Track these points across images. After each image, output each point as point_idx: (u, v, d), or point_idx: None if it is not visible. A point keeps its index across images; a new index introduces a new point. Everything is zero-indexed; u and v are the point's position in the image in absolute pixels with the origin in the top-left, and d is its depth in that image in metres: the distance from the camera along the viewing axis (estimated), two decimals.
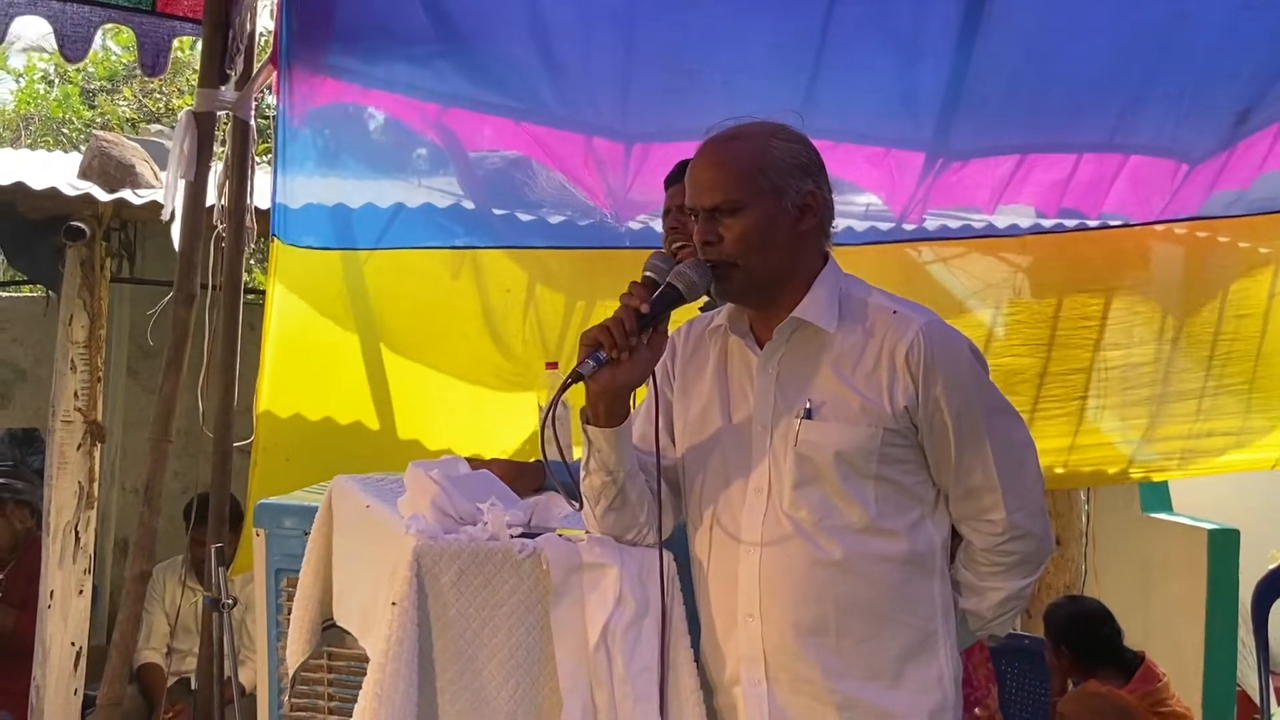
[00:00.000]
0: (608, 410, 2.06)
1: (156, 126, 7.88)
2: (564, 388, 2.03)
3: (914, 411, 2.04)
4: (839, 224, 3.96)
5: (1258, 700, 5.56)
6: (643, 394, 2.23)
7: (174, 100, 12.12)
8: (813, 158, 2.10)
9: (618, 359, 2.01)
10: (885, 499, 2.05)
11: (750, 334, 2.15)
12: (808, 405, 2.06)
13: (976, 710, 3.64)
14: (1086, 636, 3.94)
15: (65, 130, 12.27)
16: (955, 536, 2.17)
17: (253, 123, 3.79)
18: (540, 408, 3.34)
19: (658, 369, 2.23)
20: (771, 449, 2.08)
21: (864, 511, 2.03)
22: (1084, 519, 5.74)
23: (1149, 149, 3.89)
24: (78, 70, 13.14)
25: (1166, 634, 5.48)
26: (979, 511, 2.09)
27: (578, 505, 2.13)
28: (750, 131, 2.10)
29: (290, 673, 2.56)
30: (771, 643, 2.05)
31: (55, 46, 3.74)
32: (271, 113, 3.93)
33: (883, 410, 2.03)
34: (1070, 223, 4.14)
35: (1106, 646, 3.93)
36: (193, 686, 4.69)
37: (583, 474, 2.13)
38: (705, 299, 2.23)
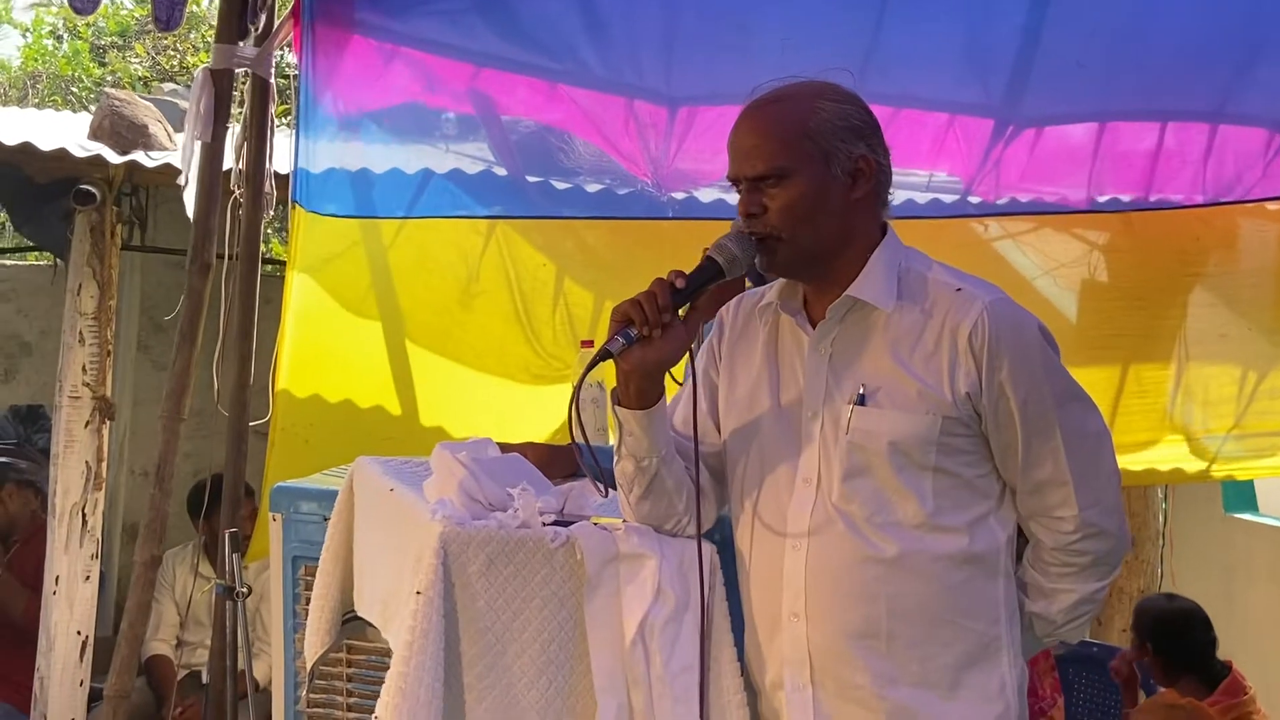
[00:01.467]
0: (638, 391, 2.05)
1: (170, 86, 7.93)
2: (591, 365, 2.02)
3: (976, 398, 2.00)
4: (898, 196, 3.97)
5: None
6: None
7: (188, 58, 12.19)
8: (865, 119, 2.07)
9: (649, 336, 2.00)
10: (944, 493, 2.02)
11: (802, 311, 2.13)
12: (861, 390, 2.03)
13: None
14: (1178, 639, 3.88)
15: (74, 89, 12.37)
16: (1022, 535, 2.14)
17: (273, 81, 3.81)
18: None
19: (704, 348, 2.23)
20: (821, 437, 2.06)
21: (920, 506, 2.00)
22: (1161, 519, 5.70)
23: (1248, 118, 3.81)
24: (87, 25, 13.23)
25: (1251, 643, 5.43)
26: (1049, 508, 2.06)
27: (604, 490, 2.10)
28: (795, 93, 2.07)
29: (309, 666, 2.57)
30: (817, 645, 2.03)
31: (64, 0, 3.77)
32: (292, 71, 3.96)
33: (942, 397, 2.00)
34: (1153, 197, 4.09)
35: (1198, 653, 3.87)
36: (204, 680, 4.75)
37: (615, 459, 2.13)
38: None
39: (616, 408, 2.08)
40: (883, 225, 2.11)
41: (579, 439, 1.97)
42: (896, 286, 2.06)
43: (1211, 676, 3.81)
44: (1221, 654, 3.97)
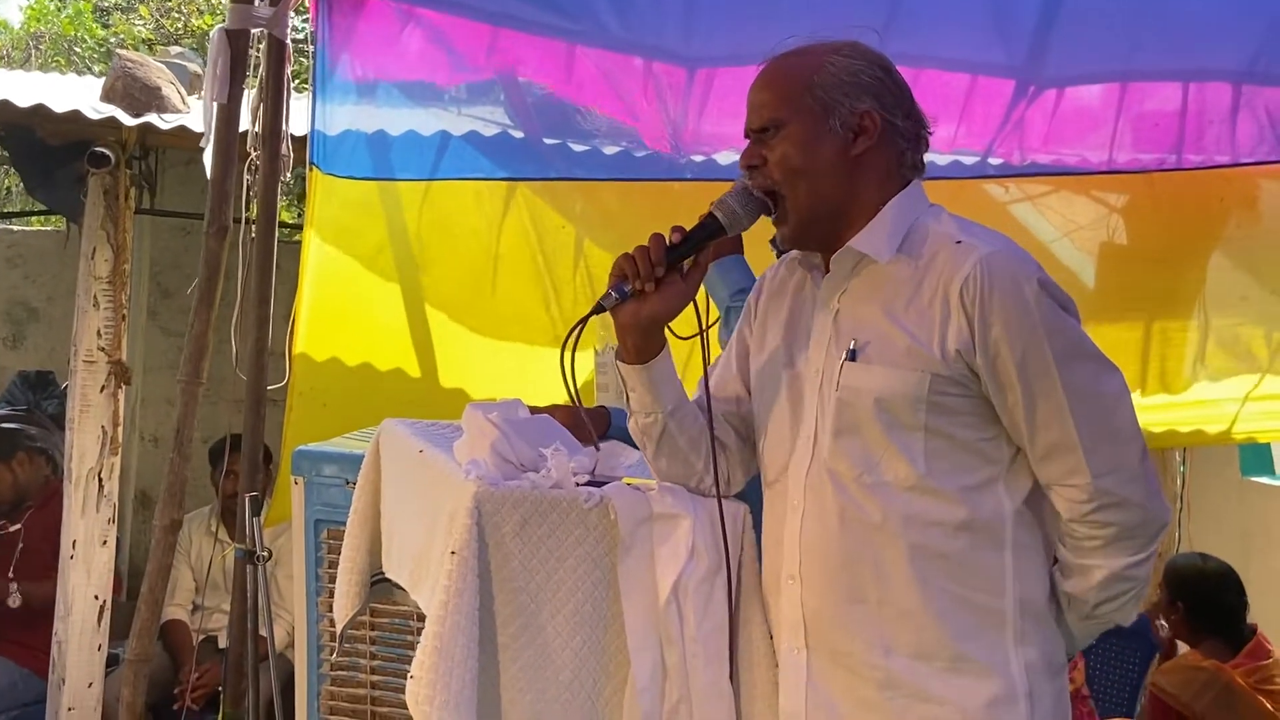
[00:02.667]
0: (634, 346, 2.06)
1: (177, 48, 7.90)
2: (584, 320, 2.03)
3: (969, 355, 1.93)
4: None
5: None
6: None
7: (193, 20, 12.15)
8: (877, 75, 2.03)
9: (642, 290, 2.01)
10: (938, 455, 1.96)
11: (820, 268, 2.11)
12: (852, 345, 2.00)
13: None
14: (1210, 599, 3.88)
15: (77, 49, 12.33)
16: None
17: (288, 42, 3.81)
18: (596, 353, 3.39)
19: (743, 308, 2.24)
20: (820, 394, 2.04)
21: (910, 468, 1.95)
22: (1179, 483, 5.72)
23: (1268, 77, 3.81)
24: None
25: (1267, 607, 5.45)
26: (1061, 475, 1.95)
27: (596, 446, 2.13)
28: (810, 49, 2.06)
29: (339, 629, 2.60)
30: (811, 608, 2.01)
31: None
32: (308, 31, 3.95)
33: (931, 353, 1.94)
34: (1174, 158, 4.08)
35: (1228, 615, 3.87)
36: (220, 645, 4.78)
37: (628, 416, 2.15)
38: None
39: (618, 363, 2.09)
40: (903, 182, 2.06)
41: (571, 391, 2.00)
42: (901, 240, 2.02)
43: (1237, 639, 3.82)
44: None
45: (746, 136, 2.08)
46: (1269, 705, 3.68)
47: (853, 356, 1.99)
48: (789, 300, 2.17)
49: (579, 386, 2.15)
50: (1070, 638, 2.08)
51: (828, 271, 2.09)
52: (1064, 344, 1.94)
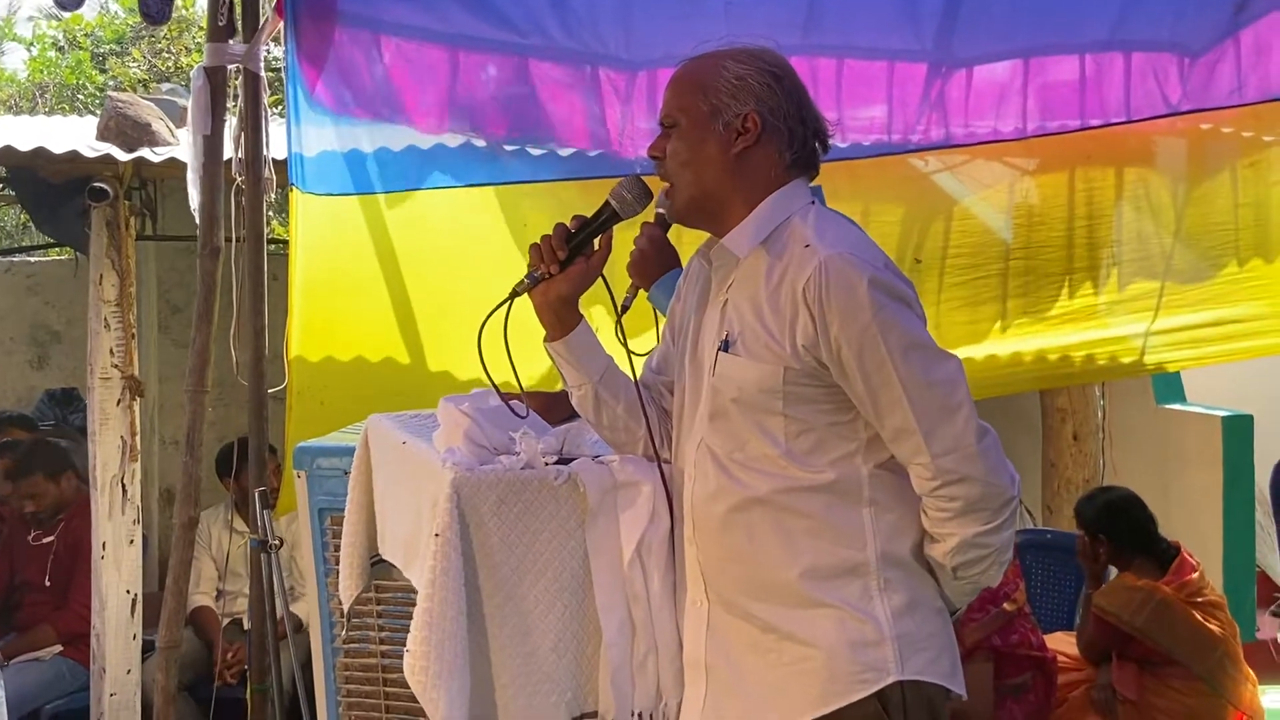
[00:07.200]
0: (550, 324, 2.10)
1: (168, 85, 7.82)
2: (503, 303, 2.07)
3: (816, 351, 1.95)
4: (846, 140, 3.95)
5: (1279, 580, 5.60)
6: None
7: (182, 59, 12.02)
8: (765, 81, 2.03)
9: (550, 274, 2.04)
10: (798, 436, 1.98)
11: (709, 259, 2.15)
12: (726, 336, 2.03)
13: (1005, 604, 3.64)
14: (1122, 524, 3.88)
15: (80, 96, 12.21)
16: None
17: (263, 74, 3.75)
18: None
19: (675, 289, 2.25)
20: (707, 378, 2.07)
21: (772, 446, 1.98)
22: (1100, 414, 5.73)
23: (1150, 44, 3.83)
24: (86, 35, 13.04)
25: (1186, 523, 5.48)
26: (908, 455, 1.96)
27: (524, 413, 2.15)
28: (713, 53, 2.08)
29: (345, 608, 2.58)
30: (706, 567, 2.05)
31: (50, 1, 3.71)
32: (281, 64, 3.90)
33: (783, 348, 1.96)
34: (1074, 123, 4.08)
35: (1143, 533, 3.88)
36: (245, 626, 4.76)
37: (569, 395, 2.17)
38: None
39: (545, 345, 2.13)
40: (785, 180, 2.06)
41: (486, 371, 2.03)
42: (767, 237, 2.03)
43: (1161, 556, 3.83)
44: (1163, 535, 3.99)
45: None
46: (1199, 616, 3.69)
47: (726, 347, 2.03)
48: (699, 287, 2.18)
49: (550, 365, 2.17)
50: (947, 598, 2.07)
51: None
52: (897, 337, 1.93)
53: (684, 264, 2.89)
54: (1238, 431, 5.55)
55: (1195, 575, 3.77)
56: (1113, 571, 3.99)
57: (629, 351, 2.15)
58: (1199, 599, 3.73)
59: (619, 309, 2.15)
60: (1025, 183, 4.26)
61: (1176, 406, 5.89)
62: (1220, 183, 4.25)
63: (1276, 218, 4.27)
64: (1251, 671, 3.80)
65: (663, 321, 2.43)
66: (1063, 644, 3.96)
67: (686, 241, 2.44)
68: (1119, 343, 4.36)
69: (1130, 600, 3.70)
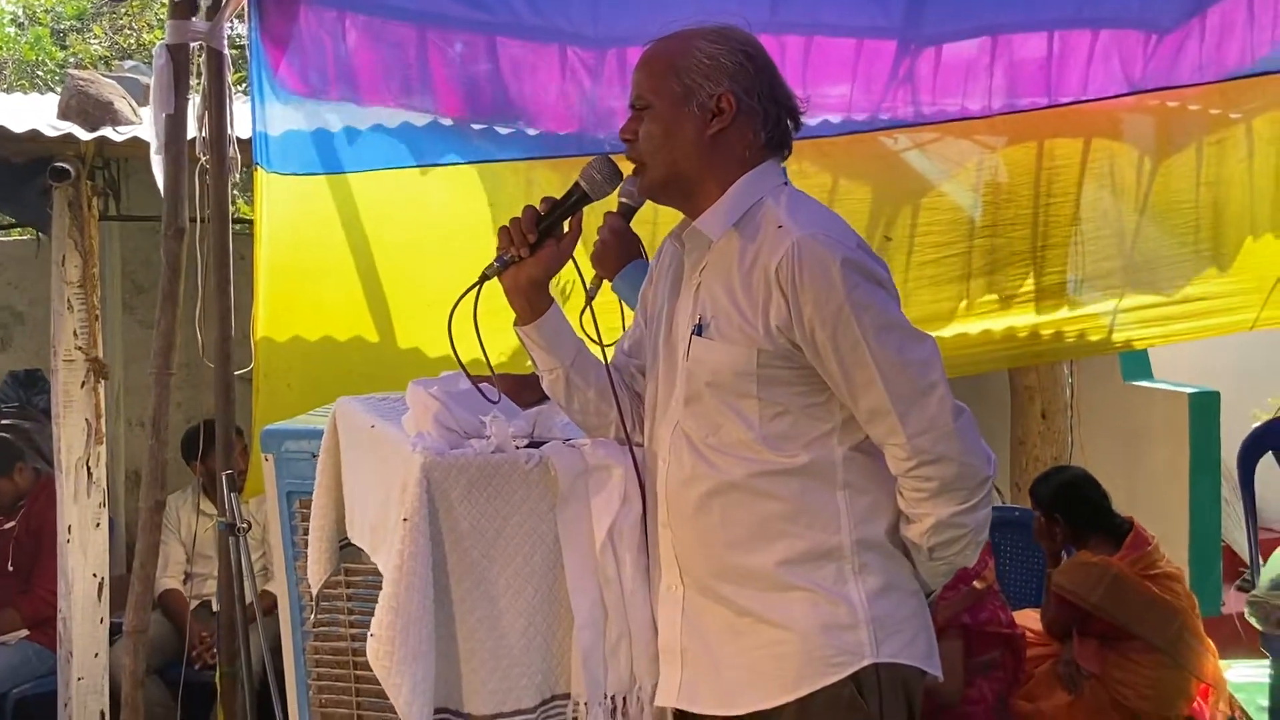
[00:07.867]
0: (521, 307, 2.08)
1: (130, 62, 7.71)
2: (472, 287, 2.05)
3: (789, 332, 1.93)
4: (814, 118, 3.94)
5: (1245, 555, 5.65)
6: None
7: (144, 35, 11.87)
8: (738, 60, 2.02)
9: (520, 257, 2.02)
10: (772, 419, 1.97)
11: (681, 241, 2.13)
12: (699, 320, 2.02)
13: (975, 582, 3.66)
14: (1076, 503, 3.92)
15: (40, 72, 12.03)
16: None
17: (226, 52, 3.70)
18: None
19: (648, 272, 2.21)
20: (680, 362, 2.05)
21: (747, 430, 1.97)
22: (1069, 391, 5.76)
23: (1117, 21, 3.83)
24: (46, 11, 12.84)
25: (1153, 498, 5.53)
26: (883, 436, 1.96)
27: (497, 398, 2.14)
28: (683, 33, 2.05)
29: (314, 592, 2.56)
30: (681, 552, 2.05)
31: None
32: (244, 41, 3.84)
33: (755, 331, 1.95)
34: (1043, 100, 4.08)
35: (1097, 511, 3.92)
36: (214, 608, 4.72)
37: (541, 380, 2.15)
38: None
39: (516, 330, 2.10)
40: (755, 161, 2.05)
41: (456, 354, 2.02)
42: (740, 219, 2.01)
43: (1116, 532, 3.86)
44: (1127, 510, 4.02)
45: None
46: (1154, 588, 3.72)
47: (699, 331, 2.01)
48: (672, 270, 2.16)
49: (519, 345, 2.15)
50: (922, 580, 2.07)
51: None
52: (871, 318, 1.92)
53: (652, 252, 2.89)
54: (1204, 408, 5.59)
55: (1149, 549, 3.80)
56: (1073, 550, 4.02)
57: (600, 344, 2.12)
58: (1154, 571, 3.76)
59: (588, 294, 2.12)
60: (993, 160, 4.26)
61: (1144, 384, 5.93)
62: (1185, 159, 4.27)
63: (1240, 195, 4.29)
64: (1212, 643, 3.83)
65: (628, 312, 2.42)
66: (1031, 620, 3.99)
67: (663, 223, 2.43)
68: (1087, 320, 4.38)
69: (1087, 577, 3.73)
